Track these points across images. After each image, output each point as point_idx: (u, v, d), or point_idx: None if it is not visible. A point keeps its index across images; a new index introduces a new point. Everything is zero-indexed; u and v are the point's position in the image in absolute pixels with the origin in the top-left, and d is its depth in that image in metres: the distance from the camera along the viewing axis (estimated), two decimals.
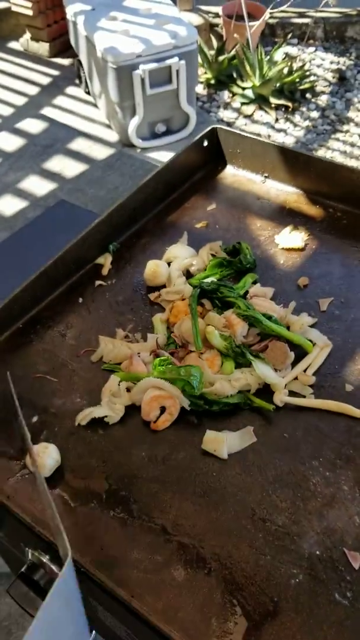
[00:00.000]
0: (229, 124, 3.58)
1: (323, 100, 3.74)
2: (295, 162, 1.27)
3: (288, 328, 1.01)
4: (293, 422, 0.92)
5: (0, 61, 4.10)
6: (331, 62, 4.03)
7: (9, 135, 2.48)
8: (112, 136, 3.31)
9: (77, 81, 3.79)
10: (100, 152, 2.33)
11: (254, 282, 1.11)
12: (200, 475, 0.87)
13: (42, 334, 1.07)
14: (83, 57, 3.43)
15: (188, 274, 1.14)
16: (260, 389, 0.95)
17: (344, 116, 3.62)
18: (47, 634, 0.68)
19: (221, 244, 1.17)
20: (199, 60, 3.70)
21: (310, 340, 1.00)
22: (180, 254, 1.15)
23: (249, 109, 3.68)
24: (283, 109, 3.66)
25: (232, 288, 1.05)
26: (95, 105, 3.57)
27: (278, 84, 3.62)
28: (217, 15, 4.10)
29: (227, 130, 1.34)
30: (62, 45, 4.06)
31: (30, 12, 3.90)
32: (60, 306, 1.12)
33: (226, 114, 3.68)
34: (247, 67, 3.61)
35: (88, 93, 3.65)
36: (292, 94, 3.69)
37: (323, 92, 3.80)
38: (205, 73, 3.85)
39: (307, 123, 3.58)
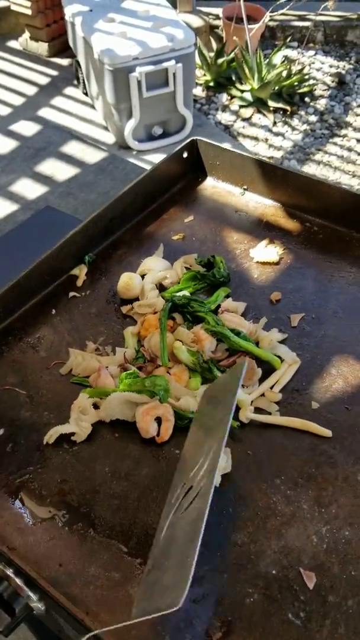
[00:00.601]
0: (227, 127, 3.58)
1: (322, 104, 3.73)
2: (274, 176, 1.27)
3: (257, 344, 1.02)
4: (257, 439, 0.92)
5: None
6: (330, 66, 4.02)
7: (3, 137, 2.48)
8: (109, 138, 3.31)
9: (75, 82, 3.80)
10: (93, 156, 2.33)
11: (227, 296, 1.11)
12: (162, 491, 0.87)
13: (12, 346, 1.08)
14: (81, 58, 3.43)
15: (162, 287, 1.14)
16: None
17: (343, 120, 3.61)
18: None
19: (196, 256, 1.18)
20: (198, 62, 3.69)
21: (279, 357, 1.00)
22: (154, 266, 1.16)
23: (247, 112, 3.67)
24: (281, 113, 3.65)
25: (203, 303, 1.06)
26: (92, 107, 3.57)
27: (277, 87, 3.62)
28: (217, 17, 4.09)
29: (206, 143, 1.34)
30: (61, 45, 4.06)
31: (29, 12, 3.90)
32: (33, 317, 1.12)
33: (224, 117, 3.67)
34: (246, 70, 3.60)
35: (86, 94, 3.65)
36: (290, 97, 3.69)
37: (322, 96, 3.79)
38: (204, 75, 3.85)
39: (305, 127, 3.58)
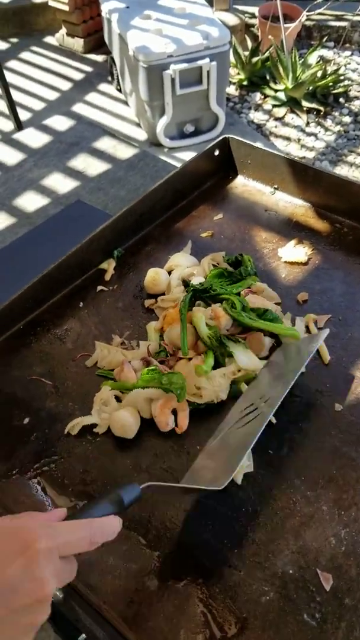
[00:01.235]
0: (259, 126, 3.57)
1: (356, 105, 3.69)
2: (305, 176, 1.27)
3: None
4: (279, 440, 0.92)
5: (36, 55, 4.15)
6: None
7: (36, 132, 2.51)
8: (141, 135, 3.33)
9: (109, 78, 3.82)
10: (125, 152, 2.35)
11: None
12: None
13: (40, 336, 1.09)
14: (116, 54, 3.45)
15: (188, 284, 1.15)
16: None
17: None
18: None
19: (224, 254, 1.18)
20: (233, 60, 3.68)
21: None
22: (182, 262, 1.16)
23: (280, 112, 3.66)
24: (315, 113, 3.63)
25: (225, 288, 1.06)
26: (126, 103, 3.59)
27: (311, 87, 3.59)
28: (253, 15, 4.08)
29: (238, 141, 1.34)
30: (97, 41, 4.10)
31: (66, 8, 3.94)
32: (62, 309, 1.14)
33: (257, 116, 3.66)
34: (281, 69, 3.58)
35: (120, 90, 3.67)
36: (325, 97, 3.66)
37: (356, 97, 3.75)
38: (238, 74, 3.84)
39: (338, 128, 3.54)
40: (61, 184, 2.24)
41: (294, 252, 1.18)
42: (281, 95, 3.66)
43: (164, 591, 0.78)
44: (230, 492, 0.86)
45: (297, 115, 3.61)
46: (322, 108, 3.60)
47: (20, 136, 2.53)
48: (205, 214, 1.31)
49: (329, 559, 0.80)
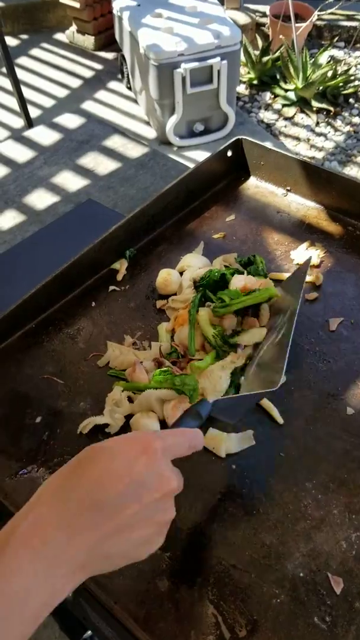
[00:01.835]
0: (269, 126, 3.57)
1: None
2: (318, 178, 1.27)
3: None
4: (290, 442, 0.92)
5: (46, 52, 4.16)
6: None
7: (47, 129, 2.51)
8: (150, 133, 3.33)
9: (119, 76, 3.82)
10: (134, 151, 2.35)
11: None
12: (193, 489, 0.88)
13: (53, 336, 1.10)
14: (126, 52, 3.45)
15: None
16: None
17: None
18: None
19: (236, 256, 1.18)
20: (243, 59, 3.68)
21: None
22: (193, 263, 1.16)
23: (290, 111, 3.65)
24: (325, 113, 3.62)
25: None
26: (135, 101, 3.60)
27: (321, 87, 3.58)
28: (264, 14, 4.07)
29: (251, 142, 1.34)
30: (107, 39, 4.10)
31: (77, 5, 3.94)
32: (74, 309, 1.14)
33: (267, 115, 3.66)
34: (291, 69, 3.58)
35: (130, 89, 3.68)
36: (335, 98, 3.65)
37: None
38: (249, 73, 3.84)
39: (348, 128, 3.54)
40: (71, 182, 2.24)
41: (306, 254, 1.18)
42: (291, 95, 3.65)
43: (174, 592, 0.78)
44: (241, 494, 0.87)
45: (307, 115, 3.61)
46: (332, 108, 3.60)
47: (30, 134, 2.53)
48: (218, 215, 1.31)
49: (339, 562, 0.80)
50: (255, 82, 3.80)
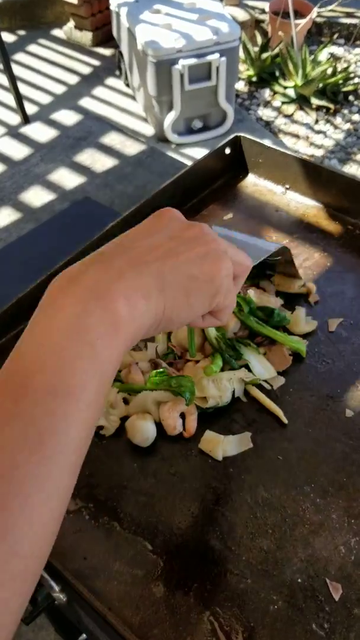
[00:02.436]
0: (268, 123, 3.55)
1: None
2: (317, 176, 1.25)
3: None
4: (288, 445, 0.91)
5: (43, 48, 4.13)
6: None
7: (43, 126, 2.49)
8: (148, 130, 3.31)
9: (117, 72, 3.80)
10: (132, 148, 2.33)
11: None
12: (189, 492, 0.87)
13: None
14: (124, 48, 3.43)
15: None
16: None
17: None
18: None
19: None
20: (242, 56, 3.66)
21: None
22: None
23: (289, 109, 3.63)
24: (324, 111, 3.60)
25: None
26: (133, 98, 3.57)
27: (321, 85, 3.56)
28: (263, 11, 4.05)
29: (250, 140, 1.32)
30: (105, 35, 4.08)
31: (75, 1, 3.92)
32: None
33: (266, 113, 3.64)
34: (290, 66, 3.56)
35: (127, 85, 3.65)
36: (334, 95, 3.63)
37: None
38: (247, 70, 3.81)
39: (347, 126, 3.52)
40: (67, 179, 2.23)
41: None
42: (290, 92, 3.63)
43: (170, 598, 0.77)
44: (237, 498, 0.85)
45: (306, 112, 3.59)
46: (331, 106, 3.58)
47: (27, 130, 2.51)
48: (216, 213, 1.29)
49: (338, 568, 0.79)
50: (254, 79, 3.78)
